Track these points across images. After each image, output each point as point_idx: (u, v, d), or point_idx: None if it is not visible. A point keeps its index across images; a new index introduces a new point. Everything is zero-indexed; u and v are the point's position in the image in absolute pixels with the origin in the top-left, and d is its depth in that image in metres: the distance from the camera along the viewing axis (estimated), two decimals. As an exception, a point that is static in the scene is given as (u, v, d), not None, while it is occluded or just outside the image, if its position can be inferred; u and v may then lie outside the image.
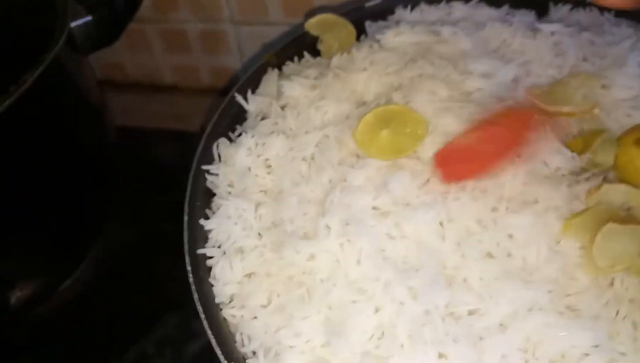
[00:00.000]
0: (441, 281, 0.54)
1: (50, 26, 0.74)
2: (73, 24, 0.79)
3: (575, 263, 0.54)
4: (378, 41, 0.75)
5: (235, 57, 1.15)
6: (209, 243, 0.62)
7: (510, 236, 0.56)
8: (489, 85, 0.67)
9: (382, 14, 0.82)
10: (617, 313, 0.51)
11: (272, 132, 0.67)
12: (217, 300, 0.58)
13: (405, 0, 0.82)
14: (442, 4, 0.82)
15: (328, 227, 0.57)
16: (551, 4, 0.81)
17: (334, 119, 0.67)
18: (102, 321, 0.84)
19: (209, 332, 0.54)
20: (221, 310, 0.57)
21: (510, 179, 0.59)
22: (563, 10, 0.80)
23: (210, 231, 0.62)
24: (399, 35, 0.74)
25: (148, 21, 1.11)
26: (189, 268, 0.58)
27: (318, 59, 0.77)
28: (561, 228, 0.55)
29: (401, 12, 0.82)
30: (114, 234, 0.93)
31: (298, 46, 0.79)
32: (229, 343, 0.55)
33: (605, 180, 0.59)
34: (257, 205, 0.62)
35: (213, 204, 0.65)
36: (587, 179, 0.59)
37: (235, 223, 0.61)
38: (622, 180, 0.59)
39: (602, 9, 0.79)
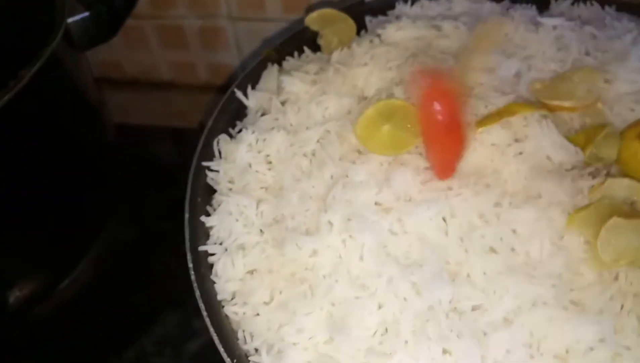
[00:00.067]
0: (444, 276, 0.54)
1: (47, 22, 0.73)
2: (70, 20, 0.78)
3: (579, 258, 0.54)
4: (379, 36, 0.74)
5: (233, 54, 1.14)
6: (210, 240, 0.61)
7: (514, 231, 0.55)
8: (491, 79, 0.67)
9: (382, 8, 0.82)
10: (622, 307, 0.51)
11: (273, 128, 0.66)
12: (219, 297, 0.57)
13: (405, -6, 0.82)
14: (443, -1, 0.82)
15: (330, 223, 0.57)
16: (552, -2, 0.80)
17: (335, 114, 0.66)
18: (101, 320, 0.83)
19: (212, 330, 0.53)
20: (223, 307, 0.57)
21: (513, 174, 0.59)
22: (564, 4, 0.80)
23: (211, 228, 0.62)
24: (400, 30, 0.73)
25: (145, 17, 1.10)
26: (190, 265, 0.58)
27: (318, 54, 0.77)
28: (565, 223, 0.55)
29: (401, 7, 0.81)
30: (112, 232, 0.92)
31: (298, 41, 0.78)
32: (231, 341, 0.54)
33: (609, 174, 0.58)
34: (258, 201, 0.62)
35: (214, 201, 0.64)
36: (590, 173, 0.58)
37: (237, 220, 0.61)
38: (625, 174, 0.58)
39: (603, 3, 0.79)
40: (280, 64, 0.76)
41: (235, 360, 0.53)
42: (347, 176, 0.60)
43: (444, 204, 0.56)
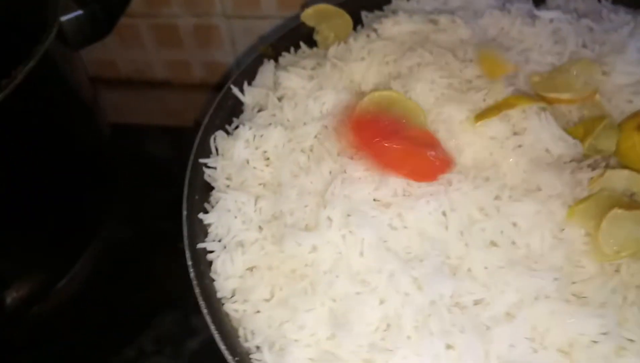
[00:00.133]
0: (445, 271, 0.53)
1: (40, 20, 0.72)
2: (64, 18, 0.77)
3: (580, 250, 0.54)
4: (375, 30, 0.74)
5: (228, 52, 1.14)
6: (209, 238, 0.61)
7: (514, 224, 0.55)
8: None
9: (378, 3, 0.81)
10: (625, 299, 0.51)
11: (270, 124, 0.66)
12: (218, 295, 0.57)
13: (402, -11, 0.82)
14: (439, -7, 0.81)
15: (329, 219, 0.56)
16: (548, -8, 0.80)
17: (333, 109, 0.66)
18: (100, 319, 0.83)
19: (212, 327, 0.53)
20: (223, 304, 0.56)
21: (512, 167, 0.59)
22: (560, -3, 0.79)
23: (209, 225, 0.61)
24: (397, 25, 0.73)
25: (139, 16, 1.09)
26: (189, 263, 0.57)
27: (315, 49, 0.76)
28: (565, 215, 0.55)
29: (397, 2, 0.81)
30: (109, 231, 0.92)
31: (294, 37, 0.78)
32: (233, 339, 0.54)
33: (608, 166, 0.58)
34: (257, 198, 0.61)
35: (211, 198, 0.64)
36: (590, 165, 0.58)
37: (235, 217, 0.60)
38: (624, 166, 0.58)
39: (600, -4, 0.78)
40: (276, 60, 0.75)
41: (237, 358, 0.52)
42: (345, 172, 0.60)
43: (444, 199, 0.56)
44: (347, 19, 0.77)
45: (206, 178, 0.65)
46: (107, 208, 0.95)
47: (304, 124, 0.65)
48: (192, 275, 0.56)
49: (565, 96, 0.64)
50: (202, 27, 1.10)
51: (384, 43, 0.71)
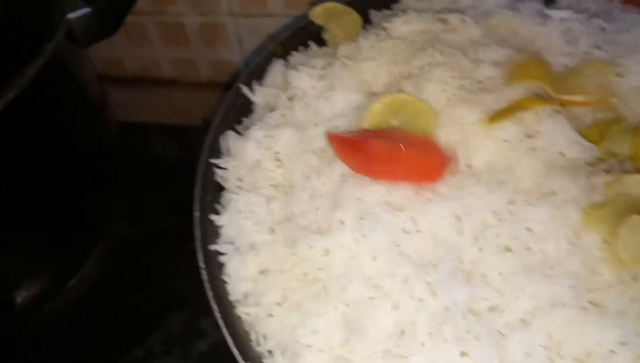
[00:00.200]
0: (460, 276, 0.53)
1: (48, 18, 0.72)
2: (71, 16, 0.77)
3: (596, 257, 0.53)
4: (385, 29, 0.73)
5: (234, 50, 1.13)
6: (221, 239, 0.60)
7: (529, 229, 0.54)
8: (501, 73, 0.65)
9: (387, 2, 0.81)
10: (644, 309, 0.50)
11: (280, 124, 0.65)
12: (230, 298, 0.56)
13: (411, -12, 0.81)
14: (448, -8, 0.81)
15: (342, 222, 0.56)
16: (559, -9, 0.79)
17: (343, 109, 0.65)
18: (108, 319, 0.83)
19: (225, 331, 0.52)
20: (235, 308, 0.56)
21: (526, 171, 0.58)
22: (571, -3, 0.79)
23: (221, 227, 0.61)
24: (407, 24, 0.72)
25: (146, 13, 1.09)
26: (202, 265, 0.56)
27: (324, 48, 0.76)
28: (581, 221, 0.54)
29: (406, 0, 0.80)
30: (118, 231, 0.92)
31: (303, 35, 0.77)
32: (245, 343, 0.53)
33: (623, 171, 0.57)
34: (268, 199, 0.61)
35: (222, 199, 0.63)
36: (605, 169, 0.58)
37: (247, 218, 0.60)
38: (640, 170, 0.57)
39: (610, -5, 0.78)
40: (285, 59, 0.74)
41: (249, 363, 0.52)
42: (357, 174, 0.59)
43: (458, 202, 0.56)
44: (356, 18, 0.77)
45: (217, 178, 0.64)
46: (115, 207, 0.95)
47: (315, 125, 0.64)
48: (204, 277, 0.56)
49: (579, 98, 0.63)
50: (208, 25, 1.10)
51: (394, 42, 0.70)
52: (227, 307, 0.55)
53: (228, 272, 0.57)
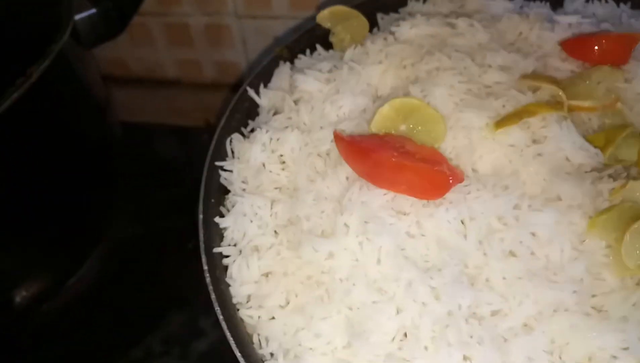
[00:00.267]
0: (464, 281, 0.52)
1: (54, 19, 0.72)
2: (77, 17, 0.77)
3: (601, 263, 0.53)
4: (393, 33, 0.73)
5: (239, 52, 1.13)
6: (225, 242, 0.60)
7: (534, 234, 0.54)
8: (508, 79, 0.65)
9: (394, 5, 0.80)
10: (646, 314, 0.50)
11: (286, 127, 0.65)
12: (234, 301, 0.56)
13: (417, -9, 0.81)
14: (455, -4, 0.81)
15: (346, 225, 0.55)
16: (566, -4, 0.79)
17: (350, 113, 0.65)
18: (108, 319, 0.82)
19: (228, 334, 0.52)
20: (238, 310, 0.56)
21: (532, 176, 0.58)
22: (578, 2, 0.79)
23: (225, 229, 0.61)
24: (414, 28, 0.72)
25: (151, 14, 1.09)
26: (205, 267, 0.56)
27: (331, 52, 0.76)
28: (586, 226, 0.54)
29: (413, 4, 0.80)
30: (118, 230, 0.91)
31: (309, 38, 0.77)
32: (247, 345, 0.53)
33: (629, 176, 0.57)
34: (272, 202, 0.61)
35: (227, 202, 0.63)
36: (611, 175, 0.57)
37: (251, 221, 0.59)
38: (646, 177, 0.57)
39: (618, 1, 0.78)
40: (292, 62, 0.74)
41: (251, 364, 0.52)
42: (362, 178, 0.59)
43: (463, 207, 0.55)
44: (363, 21, 0.77)
45: (222, 181, 0.64)
46: (116, 207, 0.94)
47: (321, 128, 0.64)
48: (208, 280, 0.56)
49: (586, 103, 0.63)
50: (213, 26, 1.10)
51: (402, 46, 0.70)
52: (230, 310, 0.55)
53: (232, 275, 0.57)
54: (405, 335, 0.51)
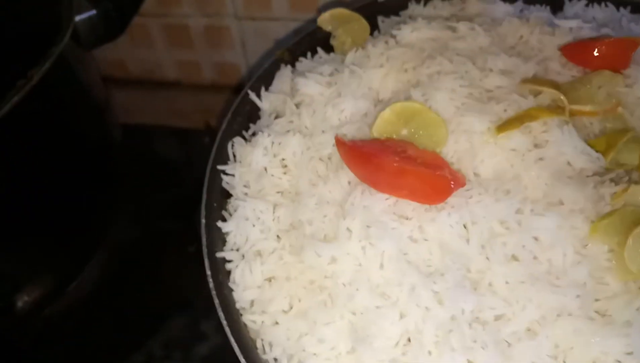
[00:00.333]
0: (467, 285, 0.52)
1: (54, 20, 0.72)
2: (77, 18, 0.76)
3: (603, 267, 0.53)
4: (394, 37, 0.73)
5: (238, 53, 1.13)
6: (227, 246, 0.60)
7: (536, 238, 0.54)
8: (510, 83, 0.65)
9: (395, 8, 0.81)
10: (650, 319, 0.50)
11: (288, 131, 0.65)
12: (237, 306, 0.56)
13: (418, -6, 0.81)
14: (456, -1, 0.81)
15: (349, 230, 0.55)
16: (566, 0, 0.79)
17: (351, 117, 0.65)
18: (109, 323, 0.82)
19: (232, 339, 0.52)
20: (241, 315, 0.56)
21: (533, 180, 0.58)
22: (578, 5, 0.79)
23: (227, 233, 0.61)
24: (416, 31, 0.72)
25: (150, 15, 1.09)
26: (208, 272, 0.56)
27: (332, 55, 0.76)
28: (588, 231, 0.54)
29: (414, 7, 0.81)
30: (118, 233, 0.91)
31: (310, 41, 0.77)
32: (251, 350, 0.53)
33: (630, 181, 0.57)
34: (275, 206, 0.61)
35: (229, 206, 0.63)
36: (612, 180, 0.57)
37: (253, 225, 0.59)
38: (648, 181, 0.57)
39: (618, 5, 0.78)
40: (293, 65, 0.74)
41: (255, 370, 0.52)
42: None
43: (465, 211, 0.55)
44: (364, 24, 0.77)
45: (224, 185, 0.64)
46: (116, 210, 0.94)
47: (323, 132, 0.64)
48: (211, 285, 0.55)
49: (587, 108, 0.63)
50: (212, 27, 1.10)
51: (403, 50, 0.70)
52: (233, 315, 0.55)
53: (235, 280, 0.57)
54: (409, 340, 0.51)
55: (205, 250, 0.58)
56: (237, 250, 0.59)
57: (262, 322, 0.55)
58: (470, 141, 0.60)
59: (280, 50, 0.75)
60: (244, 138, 0.68)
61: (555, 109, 0.62)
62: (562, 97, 0.62)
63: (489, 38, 0.71)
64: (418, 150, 0.59)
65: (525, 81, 0.65)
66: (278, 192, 0.63)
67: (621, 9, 0.78)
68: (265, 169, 0.64)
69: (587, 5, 0.79)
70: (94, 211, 0.86)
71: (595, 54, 0.67)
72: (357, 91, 0.67)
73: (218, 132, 0.67)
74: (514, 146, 0.60)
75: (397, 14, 0.81)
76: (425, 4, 0.81)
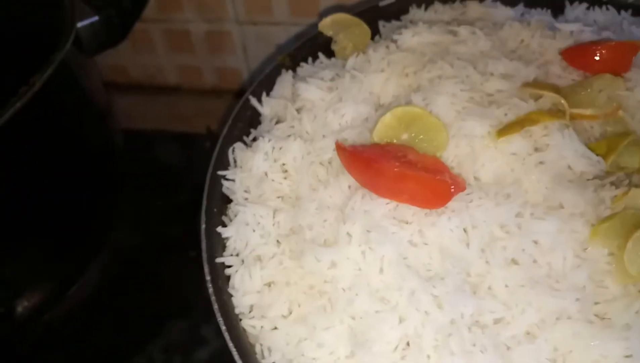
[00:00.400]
0: (466, 289, 0.52)
1: (56, 26, 0.72)
2: (79, 25, 0.77)
3: (603, 270, 0.53)
4: (395, 41, 0.73)
5: (239, 58, 1.13)
6: (227, 251, 0.60)
7: (536, 242, 0.54)
8: (510, 87, 0.65)
9: (396, 13, 0.81)
10: (649, 322, 0.50)
11: (289, 136, 0.65)
12: (236, 311, 0.56)
13: (419, -1, 0.81)
14: (457, 3, 0.81)
15: (349, 234, 0.55)
16: (567, 3, 0.79)
17: (352, 122, 0.65)
18: (109, 328, 0.82)
19: (231, 345, 0.52)
20: (241, 320, 0.56)
21: (534, 184, 0.58)
22: (579, 9, 0.79)
23: (227, 238, 0.61)
24: (417, 35, 0.72)
25: (152, 21, 1.09)
26: (208, 278, 0.56)
27: (333, 60, 0.76)
28: (588, 234, 0.54)
29: (415, 12, 0.81)
30: (119, 238, 0.91)
31: (311, 46, 0.77)
32: (250, 355, 0.53)
33: (631, 184, 0.57)
34: (275, 211, 0.61)
35: (229, 211, 0.63)
36: (613, 183, 0.57)
37: (253, 230, 0.59)
38: (648, 184, 0.57)
39: (619, 8, 0.78)
40: (294, 70, 0.74)
41: (254, 376, 0.52)
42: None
43: (465, 215, 0.55)
44: (365, 29, 0.77)
45: (224, 190, 0.64)
46: (117, 214, 0.95)
47: (323, 136, 0.64)
48: (210, 290, 0.55)
49: (588, 111, 0.63)
50: (214, 32, 1.10)
51: (404, 54, 0.70)
52: (232, 320, 0.55)
53: (234, 285, 0.57)
54: (408, 344, 0.51)
55: (205, 256, 0.58)
56: (237, 255, 0.59)
57: (262, 326, 0.55)
58: (471, 145, 0.60)
59: (282, 55, 0.76)
60: (244, 143, 0.68)
61: (555, 113, 0.62)
62: (562, 101, 0.62)
63: (489, 42, 0.71)
64: (418, 155, 0.59)
65: (526, 84, 0.65)
66: (278, 197, 0.63)
67: (622, 12, 0.78)
68: (266, 174, 0.64)
69: (588, 8, 0.79)
70: (94, 215, 0.86)
71: (596, 57, 0.67)
72: (358, 96, 0.67)
73: (219, 138, 0.67)
74: (515, 150, 0.60)
75: (398, 19, 0.81)
76: (426, 8, 0.81)
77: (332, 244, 0.56)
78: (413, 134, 0.60)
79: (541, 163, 0.59)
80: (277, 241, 0.59)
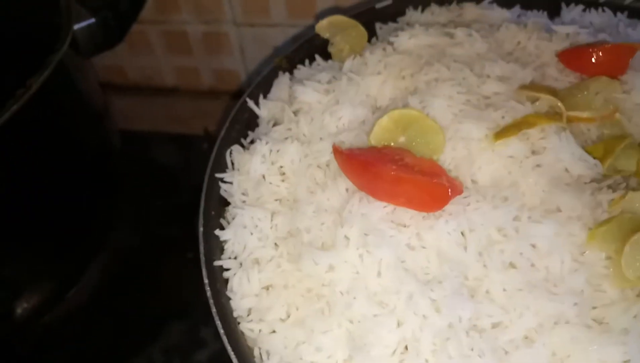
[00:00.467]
0: (464, 293, 0.52)
1: (53, 28, 0.72)
2: (76, 27, 0.77)
3: (600, 274, 0.53)
4: (391, 44, 0.73)
5: (237, 59, 1.13)
6: (225, 254, 0.60)
7: (533, 246, 0.54)
8: (507, 89, 0.65)
9: (393, 15, 0.81)
10: (648, 326, 0.50)
11: (286, 138, 0.65)
12: (234, 314, 0.56)
13: (415, 1, 0.81)
14: (453, 5, 0.81)
15: (347, 238, 0.55)
16: (563, 5, 0.79)
17: (349, 124, 0.65)
18: (108, 329, 0.82)
19: (229, 348, 0.52)
20: (239, 324, 0.56)
21: (531, 187, 0.58)
22: (575, 10, 0.79)
23: (225, 241, 0.61)
24: (413, 38, 0.72)
25: (149, 22, 1.09)
26: (206, 281, 0.56)
27: (330, 62, 0.76)
28: (585, 238, 0.54)
29: (412, 14, 0.81)
30: (118, 239, 0.91)
31: (308, 49, 0.77)
32: (248, 359, 0.53)
33: (628, 187, 0.57)
34: (272, 214, 0.61)
35: (227, 214, 0.63)
36: (610, 186, 0.57)
37: (251, 233, 0.59)
38: (645, 187, 0.57)
39: (615, 10, 0.78)
40: (291, 72, 0.74)
41: (252, 379, 0.52)
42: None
43: (462, 218, 0.55)
44: (362, 31, 0.77)
45: (222, 192, 0.64)
46: (115, 215, 0.94)
47: (320, 139, 0.64)
48: (208, 294, 0.55)
49: (584, 114, 0.63)
50: (211, 34, 1.10)
51: (401, 57, 0.70)
52: (230, 323, 0.55)
53: (232, 288, 0.57)
54: (406, 348, 0.51)
55: (202, 259, 0.58)
56: (235, 258, 0.59)
57: (260, 330, 0.55)
58: (468, 148, 0.60)
59: (279, 57, 0.76)
60: (242, 145, 0.68)
61: (552, 115, 0.62)
62: (559, 103, 0.62)
63: (486, 44, 0.71)
64: (415, 158, 0.59)
65: (523, 87, 0.65)
66: (276, 200, 0.62)
67: (618, 14, 0.78)
68: (264, 176, 0.64)
69: (584, 10, 0.79)
70: (93, 217, 0.86)
71: (593, 60, 0.67)
72: (355, 99, 0.67)
73: (216, 139, 0.67)
74: (512, 152, 0.60)
75: (394, 21, 0.81)
76: (422, 10, 0.81)
77: (329, 247, 0.56)
78: (410, 137, 0.60)
79: (538, 165, 0.59)
80: (275, 244, 0.59)
